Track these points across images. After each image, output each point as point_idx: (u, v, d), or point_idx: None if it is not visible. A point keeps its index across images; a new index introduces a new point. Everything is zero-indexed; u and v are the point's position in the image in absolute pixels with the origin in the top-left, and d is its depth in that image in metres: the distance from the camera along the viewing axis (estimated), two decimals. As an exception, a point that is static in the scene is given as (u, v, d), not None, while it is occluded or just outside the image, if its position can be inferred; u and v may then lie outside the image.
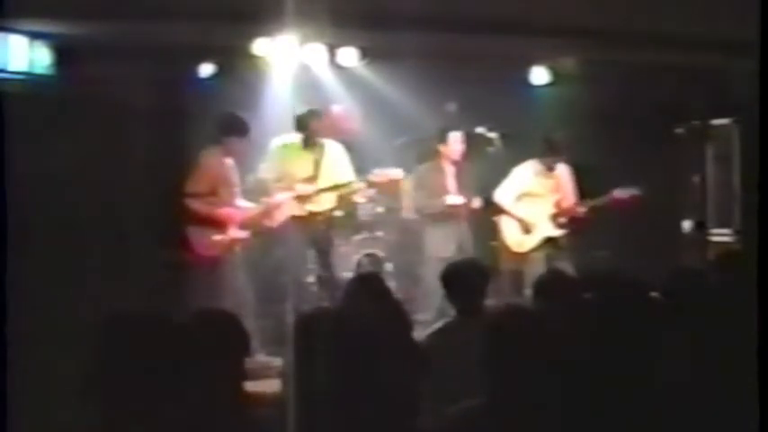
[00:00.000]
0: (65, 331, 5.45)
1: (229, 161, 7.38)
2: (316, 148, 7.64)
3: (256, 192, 7.63)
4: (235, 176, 7.46)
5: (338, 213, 7.96)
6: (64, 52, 7.34)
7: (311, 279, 7.84)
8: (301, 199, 7.55)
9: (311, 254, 7.78)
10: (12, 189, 3.99)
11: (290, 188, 7.57)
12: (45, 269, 6.65)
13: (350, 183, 7.66)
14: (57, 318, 6.19)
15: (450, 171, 8.08)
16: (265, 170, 7.66)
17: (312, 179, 7.60)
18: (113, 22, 6.64)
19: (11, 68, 6.90)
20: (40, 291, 6.30)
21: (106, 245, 7.52)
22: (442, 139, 8.06)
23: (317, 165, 7.63)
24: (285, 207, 7.52)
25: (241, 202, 7.48)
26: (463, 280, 4.67)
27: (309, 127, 7.60)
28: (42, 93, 7.08)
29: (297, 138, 7.64)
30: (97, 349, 2.86)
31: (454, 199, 7.96)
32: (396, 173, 7.72)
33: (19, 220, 4.03)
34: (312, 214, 7.61)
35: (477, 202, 7.99)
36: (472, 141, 8.22)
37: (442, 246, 7.93)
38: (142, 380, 2.81)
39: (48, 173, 6.97)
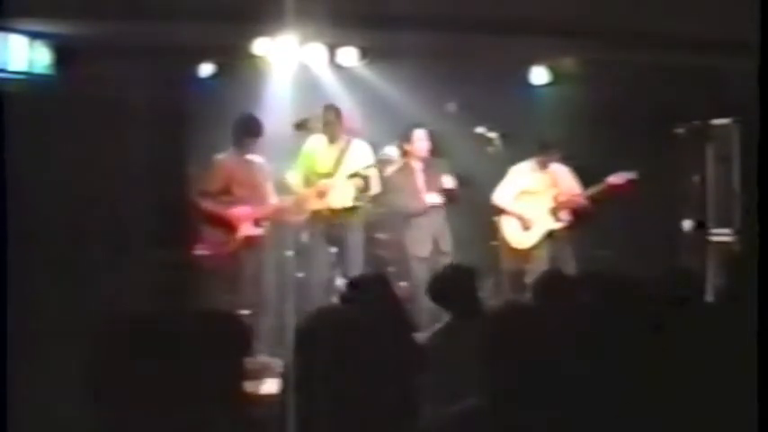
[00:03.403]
0: (65, 331, 5.45)
1: (252, 159, 7.42)
2: (339, 143, 7.74)
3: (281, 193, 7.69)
4: (258, 174, 7.49)
5: (358, 203, 7.91)
6: (64, 52, 7.34)
7: (337, 278, 7.85)
8: (320, 194, 7.63)
9: (330, 251, 7.85)
10: (12, 189, 4.00)
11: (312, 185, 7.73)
12: (45, 269, 6.65)
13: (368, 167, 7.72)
14: (57, 318, 6.19)
15: (418, 168, 7.96)
16: (291, 176, 7.78)
17: (330, 174, 7.69)
18: (113, 22, 6.65)
19: (11, 68, 6.91)
20: (40, 291, 6.31)
21: (106, 245, 7.53)
22: (407, 138, 7.93)
23: (337, 161, 7.72)
24: (308, 202, 7.62)
25: (273, 199, 7.53)
26: (450, 288, 4.64)
27: (327, 123, 7.73)
28: (42, 93, 7.08)
29: (322, 137, 7.77)
30: (97, 349, 2.86)
31: (433, 198, 7.86)
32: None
33: (19, 220, 4.03)
34: (331, 210, 7.69)
35: (449, 183, 7.80)
36: (470, 140, 8.22)
37: (420, 245, 7.86)
38: (142, 380, 2.81)
39: (48, 173, 6.98)
